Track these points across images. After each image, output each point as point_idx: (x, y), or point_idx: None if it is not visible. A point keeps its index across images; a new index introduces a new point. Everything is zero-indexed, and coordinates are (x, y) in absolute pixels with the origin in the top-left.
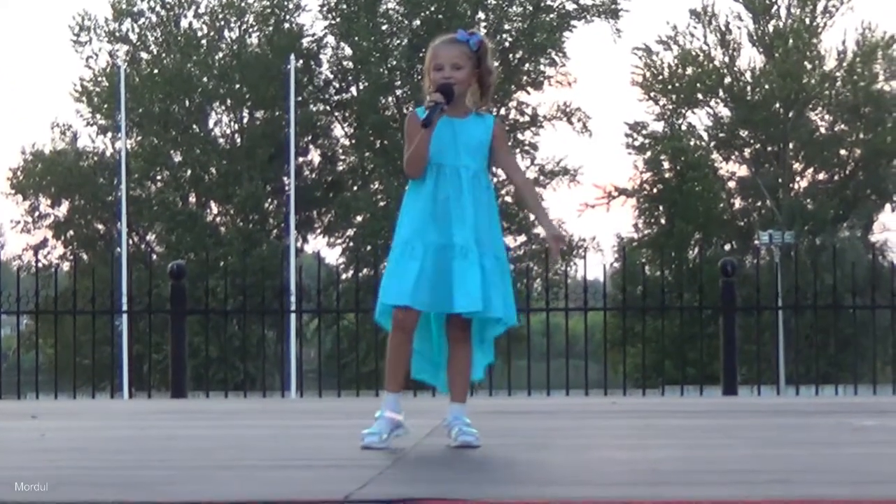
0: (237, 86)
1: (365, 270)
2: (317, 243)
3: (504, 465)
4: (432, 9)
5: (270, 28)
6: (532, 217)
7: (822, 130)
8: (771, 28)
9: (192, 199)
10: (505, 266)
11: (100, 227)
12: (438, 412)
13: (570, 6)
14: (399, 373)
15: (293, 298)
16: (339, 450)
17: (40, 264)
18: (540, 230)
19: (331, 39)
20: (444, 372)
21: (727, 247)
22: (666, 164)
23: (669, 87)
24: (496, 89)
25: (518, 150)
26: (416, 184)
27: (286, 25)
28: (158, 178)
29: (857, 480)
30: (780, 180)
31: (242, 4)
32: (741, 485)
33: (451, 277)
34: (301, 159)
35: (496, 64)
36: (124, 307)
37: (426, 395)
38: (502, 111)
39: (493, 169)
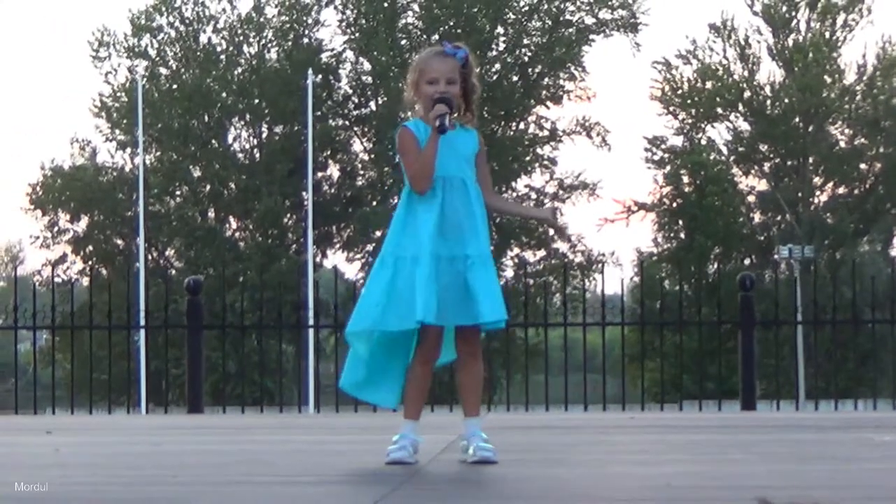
0: (256, 101)
1: None
2: (336, 258)
3: (520, 481)
4: (451, 23)
5: (289, 43)
6: (517, 216)
7: (842, 144)
8: (790, 42)
9: (211, 214)
10: (492, 271)
11: (119, 242)
12: (453, 427)
13: (590, 20)
14: (422, 402)
15: (311, 313)
16: (354, 466)
17: (59, 279)
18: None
19: (350, 54)
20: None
21: (746, 261)
22: (685, 179)
23: (689, 101)
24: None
25: (537, 165)
26: (418, 197)
27: (305, 40)
28: (177, 193)
29: (875, 496)
30: (799, 194)
31: (261, 20)
32: (755, 501)
33: (472, 289)
34: (320, 174)
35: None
36: (142, 322)
37: (442, 409)
38: (521, 126)
39: (514, 184)
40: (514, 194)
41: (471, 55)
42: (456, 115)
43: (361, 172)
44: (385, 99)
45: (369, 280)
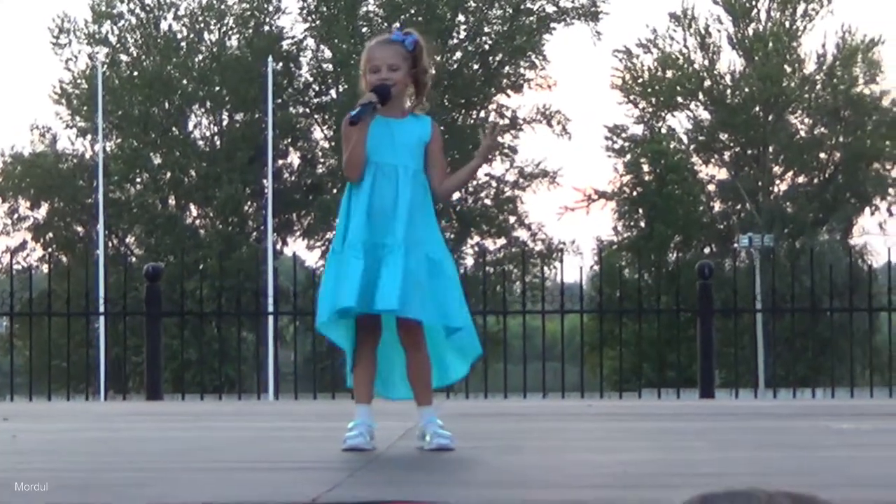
0: (217, 88)
1: None
2: (296, 246)
3: (476, 467)
4: (412, 11)
5: (250, 30)
6: (471, 174)
7: (802, 134)
8: (751, 31)
9: (172, 201)
10: (443, 267)
11: (79, 229)
12: (410, 414)
13: (550, 9)
14: (369, 384)
15: (270, 301)
16: (311, 452)
17: (19, 266)
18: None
19: (310, 42)
20: (387, 379)
21: (706, 250)
22: (645, 167)
23: (649, 89)
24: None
25: (497, 153)
26: (354, 185)
27: (266, 28)
28: (138, 180)
29: (832, 483)
30: (759, 183)
31: (222, 7)
32: (711, 487)
33: (379, 277)
34: (280, 162)
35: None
36: (101, 309)
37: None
38: (482, 114)
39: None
40: (474, 182)
41: (421, 40)
42: (413, 103)
43: (322, 160)
44: (346, 87)
45: (324, 271)
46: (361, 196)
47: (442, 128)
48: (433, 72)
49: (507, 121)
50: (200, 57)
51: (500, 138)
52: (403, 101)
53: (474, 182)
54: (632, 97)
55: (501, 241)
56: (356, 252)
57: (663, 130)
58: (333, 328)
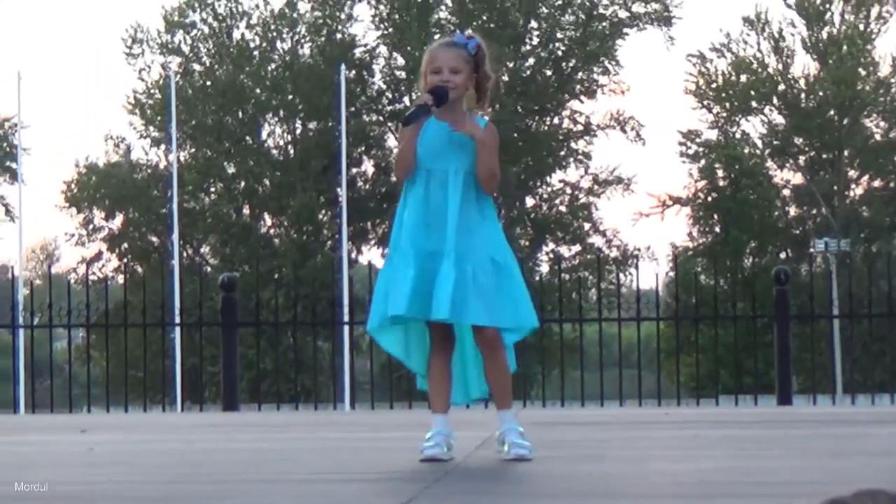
0: (290, 97)
1: None
2: (371, 254)
3: (554, 477)
4: (484, 17)
5: (322, 39)
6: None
7: (877, 137)
8: (825, 35)
9: (246, 210)
10: (506, 269)
11: (154, 239)
12: (488, 423)
13: (623, 14)
14: (445, 393)
15: (346, 310)
16: (388, 463)
17: (94, 277)
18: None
19: (383, 49)
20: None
21: (782, 255)
22: (720, 173)
23: (723, 94)
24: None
25: (571, 159)
26: (408, 189)
27: (338, 36)
28: (212, 189)
29: None
30: (835, 188)
31: (294, 15)
32: (787, 497)
33: (435, 284)
34: (354, 170)
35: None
36: (177, 320)
37: (478, 405)
38: (555, 120)
39: (548, 178)
40: (549, 189)
41: (484, 45)
42: (473, 107)
43: None
44: (419, 94)
45: (377, 278)
46: (415, 203)
47: (515, 134)
48: (495, 77)
49: (580, 127)
50: (273, 66)
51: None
52: (462, 105)
53: (549, 189)
54: (706, 102)
55: (576, 248)
56: (407, 259)
57: (737, 135)
58: (384, 334)
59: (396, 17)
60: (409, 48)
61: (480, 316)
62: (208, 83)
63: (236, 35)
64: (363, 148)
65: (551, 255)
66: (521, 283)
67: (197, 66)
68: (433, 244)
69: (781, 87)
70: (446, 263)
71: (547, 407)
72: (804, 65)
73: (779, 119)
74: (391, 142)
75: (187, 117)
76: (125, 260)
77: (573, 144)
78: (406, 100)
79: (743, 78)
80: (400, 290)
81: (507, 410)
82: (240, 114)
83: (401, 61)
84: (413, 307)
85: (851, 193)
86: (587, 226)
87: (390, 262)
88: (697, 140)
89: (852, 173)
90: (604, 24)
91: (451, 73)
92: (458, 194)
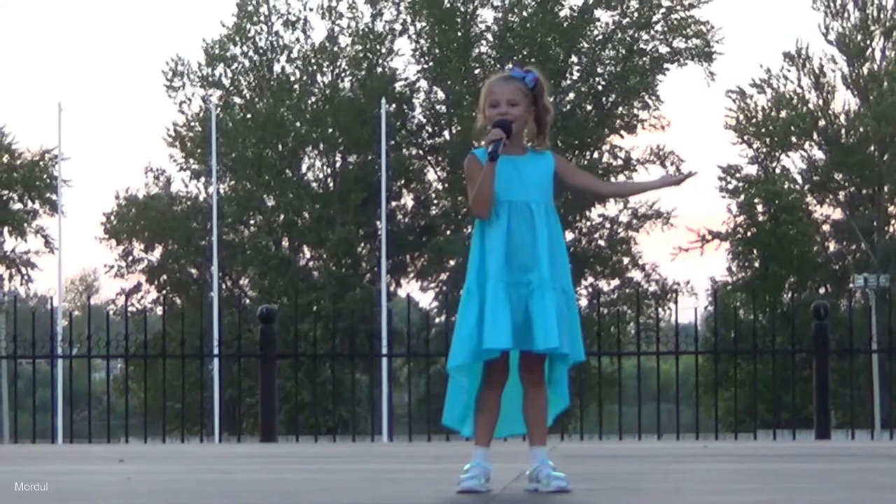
0: (330, 130)
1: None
2: (409, 287)
3: None
4: (525, 52)
5: (363, 72)
6: (637, 193)
7: None
8: (865, 70)
9: (285, 243)
10: (572, 300)
11: (193, 271)
12: (522, 455)
13: (664, 49)
14: (492, 428)
15: (384, 342)
16: (427, 494)
17: (133, 308)
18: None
19: (423, 83)
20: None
21: (821, 290)
22: (760, 208)
23: (763, 129)
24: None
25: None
26: (486, 224)
27: (379, 70)
28: (251, 222)
29: None
30: (874, 223)
31: (335, 49)
32: None
33: (529, 315)
34: (394, 203)
35: (589, 108)
36: (215, 351)
37: (514, 439)
38: (595, 154)
39: (588, 213)
40: (588, 223)
41: (542, 77)
42: (530, 141)
43: (435, 202)
44: (459, 128)
45: (459, 313)
46: (497, 235)
47: None
48: (553, 110)
49: (620, 161)
50: (313, 99)
51: (681, 184)
52: (523, 138)
53: (588, 223)
54: (745, 137)
55: (615, 282)
56: (498, 293)
57: (777, 170)
58: (468, 371)
59: (437, 51)
60: (449, 82)
61: (569, 347)
62: (248, 116)
63: (277, 68)
64: (403, 181)
65: (590, 289)
66: (577, 316)
67: (237, 99)
68: (515, 276)
69: (822, 122)
70: (545, 294)
71: (585, 440)
72: (845, 100)
73: (819, 154)
74: (431, 175)
75: (227, 150)
76: (164, 291)
77: (613, 179)
78: (446, 134)
79: (783, 113)
80: (501, 325)
81: (543, 448)
82: (280, 147)
83: (441, 95)
84: (517, 340)
85: (891, 229)
86: (626, 260)
87: (471, 296)
88: (737, 175)
89: (892, 209)
90: (644, 59)
91: (509, 106)
92: (545, 225)
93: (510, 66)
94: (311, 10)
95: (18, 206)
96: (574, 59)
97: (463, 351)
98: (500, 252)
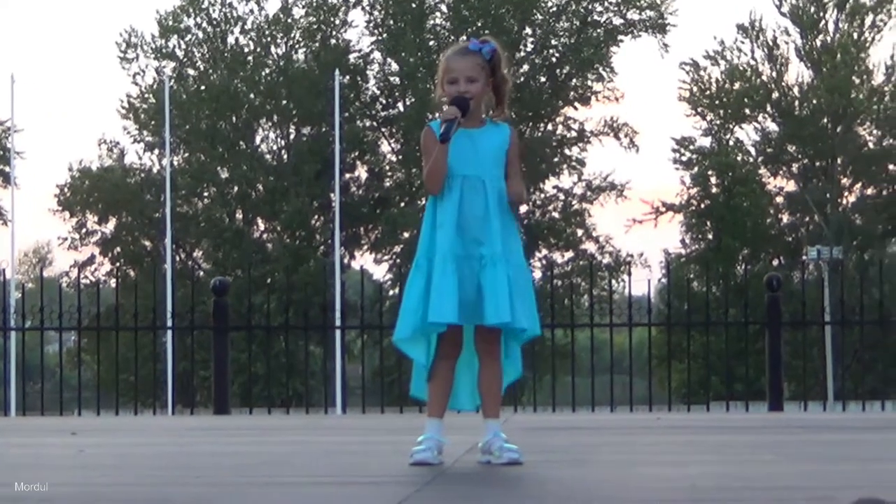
0: (284, 102)
1: None
2: (363, 259)
3: (545, 481)
4: (479, 24)
5: (317, 44)
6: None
7: (871, 145)
8: (819, 43)
9: (239, 215)
10: (526, 275)
11: (147, 243)
12: (476, 428)
13: (618, 21)
14: (445, 399)
15: (338, 314)
16: (379, 467)
17: (87, 281)
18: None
19: (377, 55)
20: (463, 390)
21: (775, 262)
22: (713, 180)
23: (717, 102)
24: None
25: (565, 166)
26: (438, 197)
27: (332, 41)
28: (205, 194)
29: None
30: (828, 195)
31: (289, 21)
32: (780, 502)
33: (481, 289)
34: (348, 175)
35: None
36: (169, 323)
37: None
38: (549, 127)
39: (542, 185)
40: (542, 195)
41: (499, 48)
42: (487, 113)
43: (389, 174)
44: (413, 100)
45: (406, 286)
46: (449, 209)
47: None
48: (511, 79)
49: (574, 133)
50: (267, 71)
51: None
52: (481, 110)
53: (542, 195)
54: (699, 109)
55: (569, 254)
56: (446, 266)
57: (731, 143)
58: (413, 344)
59: (391, 22)
60: (403, 54)
61: (523, 320)
62: (202, 88)
63: (230, 40)
64: (357, 153)
65: (544, 262)
66: (532, 290)
67: (191, 71)
68: (467, 249)
69: (775, 94)
70: (497, 268)
71: (538, 412)
72: (798, 73)
73: (772, 127)
74: (385, 147)
75: (181, 122)
76: (118, 264)
77: (567, 151)
78: (400, 105)
79: (737, 85)
80: (446, 299)
81: (496, 420)
82: (233, 119)
83: (395, 67)
84: (463, 314)
85: (844, 201)
86: (580, 232)
87: (419, 270)
88: (691, 147)
89: (845, 181)
90: (598, 30)
91: (468, 83)
92: (496, 200)
93: (465, 38)
94: None
95: None
96: (528, 30)
97: (408, 324)
98: (451, 225)
